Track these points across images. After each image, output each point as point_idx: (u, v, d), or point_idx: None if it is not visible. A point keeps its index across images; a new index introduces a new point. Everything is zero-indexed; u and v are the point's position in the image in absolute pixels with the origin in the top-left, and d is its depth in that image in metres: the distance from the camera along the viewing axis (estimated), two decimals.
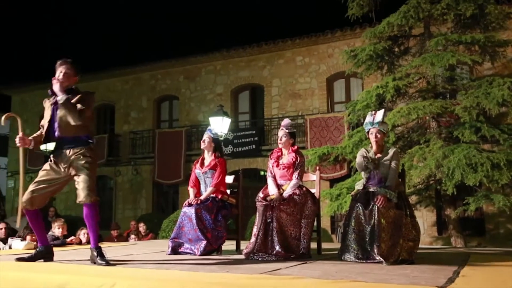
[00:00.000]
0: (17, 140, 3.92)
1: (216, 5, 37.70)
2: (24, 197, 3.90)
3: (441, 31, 8.91)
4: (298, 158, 4.74)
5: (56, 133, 3.91)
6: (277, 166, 4.78)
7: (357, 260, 4.14)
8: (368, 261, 4.09)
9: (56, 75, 3.92)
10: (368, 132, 4.59)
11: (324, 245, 5.39)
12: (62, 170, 3.90)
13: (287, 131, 4.81)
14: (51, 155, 4.00)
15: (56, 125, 3.89)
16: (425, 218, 12.09)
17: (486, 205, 9.34)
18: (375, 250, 4.06)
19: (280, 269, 3.52)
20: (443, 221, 11.35)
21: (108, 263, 3.65)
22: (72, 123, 3.80)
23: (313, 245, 4.82)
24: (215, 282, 2.90)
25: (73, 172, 3.86)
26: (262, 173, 14.75)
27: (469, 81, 8.69)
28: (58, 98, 3.80)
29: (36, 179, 3.92)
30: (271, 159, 4.89)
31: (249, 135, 14.85)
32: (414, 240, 4.26)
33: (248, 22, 35.46)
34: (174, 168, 15.75)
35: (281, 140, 4.81)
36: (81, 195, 3.79)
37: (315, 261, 4.23)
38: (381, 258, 4.00)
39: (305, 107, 14.67)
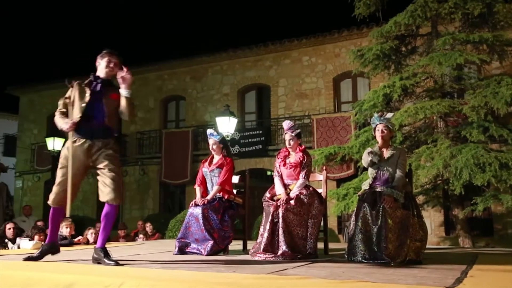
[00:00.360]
0: (69, 125, 3.74)
1: (223, 5, 37.72)
2: (51, 198, 3.80)
3: (448, 30, 8.84)
4: (305, 158, 4.73)
5: (104, 122, 3.79)
6: (284, 165, 4.78)
7: (364, 261, 4.11)
8: (375, 261, 4.06)
9: (107, 65, 3.85)
10: (374, 129, 4.59)
11: (331, 245, 5.38)
12: (83, 159, 3.76)
13: (293, 134, 4.80)
14: (72, 144, 3.79)
15: (104, 113, 3.79)
16: (432, 218, 12.02)
17: (494, 205, 9.27)
18: (382, 250, 4.04)
19: (287, 269, 3.50)
20: (450, 221, 11.27)
21: (117, 263, 3.59)
22: (126, 117, 3.83)
23: (320, 245, 4.81)
24: (222, 282, 2.87)
25: (101, 165, 3.74)
26: (268, 173, 14.74)
27: (477, 80, 8.62)
28: (126, 91, 3.77)
29: (58, 180, 3.78)
30: (278, 158, 4.89)
31: (256, 135, 14.84)
32: (421, 240, 4.24)
33: (255, 22, 35.47)
34: (181, 168, 15.77)
35: (289, 144, 4.80)
36: (109, 195, 3.67)
37: (321, 261, 4.21)
38: (388, 259, 3.98)
39: (311, 107, 14.64)
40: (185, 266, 3.66)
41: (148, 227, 10.79)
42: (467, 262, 4.08)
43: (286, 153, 4.87)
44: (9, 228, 6.44)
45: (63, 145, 3.98)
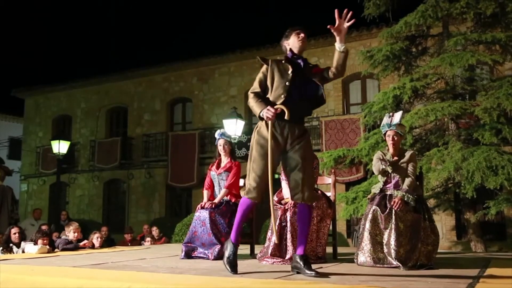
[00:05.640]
0: (271, 114, 3.31)
1: (230, 6, 37.80)
2: (252, 191, 3.40)
3: (460, 31, 8.72)
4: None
5: (307, 101, 3.47)
6: None
7: (374, 265, 4.05)
8: (385, 265, 4.01)
9: (297, 38, 3.56)
10: (385, 134, 4.51)
11: (340, 249, 5.30)
12: (282, 144, 3.42)
13: None
14: (270, 128, 3.36)
15: (307, 91, 3.47)
16: (444, 222, 11.90)
17: (507, 208, 9.14)
18: (393, 254, 3.99)
19: (295, 273, 3.44)
20: (462, 225, 11.17)
21: (317, 273, 3.24)
22: (338, 75, 3.49)
23: (329, 249, 4.74)
24: (229, 287, 2.86)
25: (296, 156, 3.39)
26: (276, 176, 14.60)
27: (489, 81, 8.48)
28: (341, 45, 3.42)
29: (260, 172, 3.37)
30: None
31: None
32: (433, 245, 4.17)
33: (262, 23, 35.51)
34: (187, 171, 15.74)
35: None
36: (301, 193, 3.36)
37: (330, 265, 4.15)
38: (398, 263, 3.93)
39: (320, 109, 14.39)
40: (192, 270, 3.61)
41: (154, 231, 10.73)
42: (480, 267, 4.02)
43: None
44: (14, 233, 6.41)
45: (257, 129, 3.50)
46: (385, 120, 4.52)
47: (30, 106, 20.32)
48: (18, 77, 39.36)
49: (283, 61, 3.52)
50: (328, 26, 3.43)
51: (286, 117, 3.31)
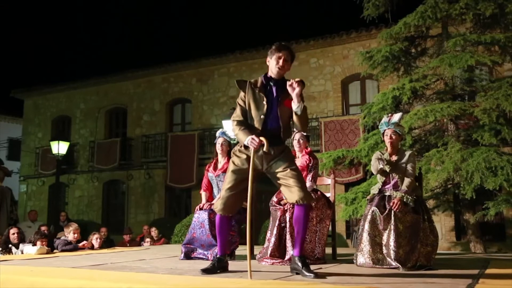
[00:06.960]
0: (255, 144, 3.37)
1: (229, 7, 37.82)
2: (219, 205, 3.54)
3: (459, 31, 8.72)
4: (311, 160, 4.68)
5: (279, 129, 3.50)
6: None
7: (373, 266, 4.05)
8: (384, 266, 4.01)
9: (276, 63, 3.50)
10: (383, 133, 4.52)
11: (339, 250, 5.31)
12: (257, 166, 3.49)
13: (304, 133, 4.75)
14: (239, 151, 3.54)
15: (278, 121, 3.48)
16: (443, 223, 11.91)
17: (506, 209, 9.15)
18: (392, 255, 3.99)
19: (294, 274, 3.45)
20: (461, 226, 11.17)
21: (316, 275, 3.25)
22: (298, 129, 3.57)
23: (328, 250, 4.75)
24: (229, 287, 2.87)
25: (279, 168, 3.43)
26: None
27: (488, 82, 8.47)
28: (296, 106, 3.38)
29: (226, 186, 3.51)
30: None
31: None
32: (432, 245, 4.17)
33: (262, 24, 35.52)
34: (186, 172, 15.73)
35: (298, 143, 4.74)
36: (297, 194, 3.34)
37: (330, 266, 4.16)
38: (398, 264, 3.93)
39: (319, 110, 14.56)
40: (191, 271, 3.62)
41: (154, 231, 10.74)
42: (479, 268, 4.04)
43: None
44: (13, 233, 6.41)
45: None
46: (384, 119, 4.54)
47: (30, 107, 20.32)
48: (18, 78, 39.40)
49: (257, 90, 3.52)
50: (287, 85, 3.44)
51: (265, 149, 3.40)
